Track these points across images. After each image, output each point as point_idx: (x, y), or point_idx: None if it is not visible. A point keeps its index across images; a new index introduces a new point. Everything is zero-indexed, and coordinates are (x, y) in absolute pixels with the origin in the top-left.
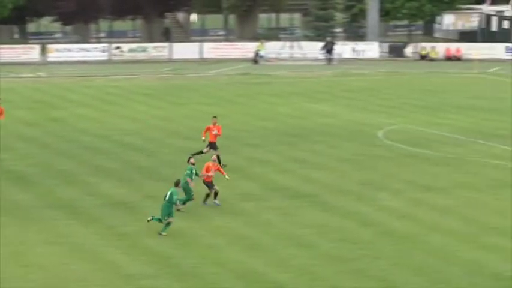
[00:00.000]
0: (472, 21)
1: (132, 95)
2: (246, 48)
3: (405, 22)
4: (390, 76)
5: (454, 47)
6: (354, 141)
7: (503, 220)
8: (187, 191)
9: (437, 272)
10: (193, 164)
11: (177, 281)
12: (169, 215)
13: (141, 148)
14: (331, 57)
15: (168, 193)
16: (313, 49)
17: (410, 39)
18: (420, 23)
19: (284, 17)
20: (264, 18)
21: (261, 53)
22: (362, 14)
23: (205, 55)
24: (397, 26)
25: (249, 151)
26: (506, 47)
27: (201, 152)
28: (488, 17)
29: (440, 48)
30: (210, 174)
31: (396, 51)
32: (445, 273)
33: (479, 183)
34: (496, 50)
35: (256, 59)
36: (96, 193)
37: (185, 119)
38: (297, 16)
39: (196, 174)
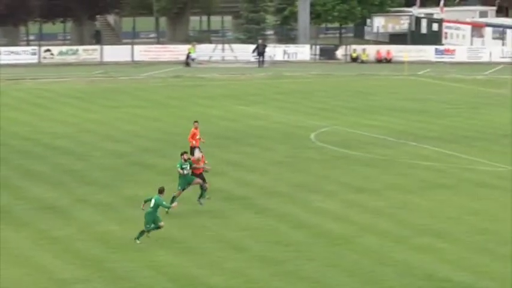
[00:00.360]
0: (402, 24)
1: (63, 98)
2: (178, 51)
3: (336, 25)
4: (322, 78)
5: (384, 50)
6: (286, 143)
7: (434, 221)
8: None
9: (370, 272)
10: (185, 160)
11: (110, 285)
12: (155, 221)
13: (72, 152)
14: (263, 59)
15: (152, 201)
16: (245, 52)
17: (341, 41)
18: (351, 25)
19: (215, 20)
20: (196, 21)
21: (193, 55)
22: (293, 16)
23: (137, 58)
24: (328, 29)
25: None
26: (436, 49)
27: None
28: (418, 20)
29: (371, 51)
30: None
31: (327, 53)
32: (377, 274)
33: (410, 185)
34: (425, 52)
35: (188, 62)
36: (27, 197)
37: (117, 122)
38: (228, 19)
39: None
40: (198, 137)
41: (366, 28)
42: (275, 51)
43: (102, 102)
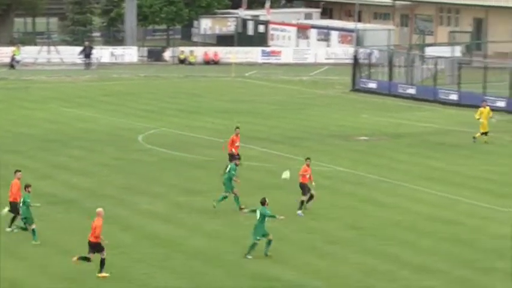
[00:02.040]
0: (229, 26)
1: None
2: (2, 53)
3: (163, 26)
4: (149, 80)
5: (212, 51)
6: (114, 146)
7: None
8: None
9: (200, 274)
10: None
11: None
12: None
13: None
14: (90, 61)
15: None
16: (71, 54)
17: (169, 43)
18: (178, 27)
19: (41, 21)
20: (20, 22)
21: (17, 57)
22: (120, 18)
23: None
24: (155, 31)
25: (7, 158)
26: (263, 50)
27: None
28: (244, 21)
29: (199, 52)
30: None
31: (155, 55)
32: (208, 275)
33: (239, 186)
34: (252, 53)
35: (12, 64)
36: None
37: None
38: (54, 20)
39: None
40: (237, 144)
41: (194, 30)
42: (102, 53)
43: None
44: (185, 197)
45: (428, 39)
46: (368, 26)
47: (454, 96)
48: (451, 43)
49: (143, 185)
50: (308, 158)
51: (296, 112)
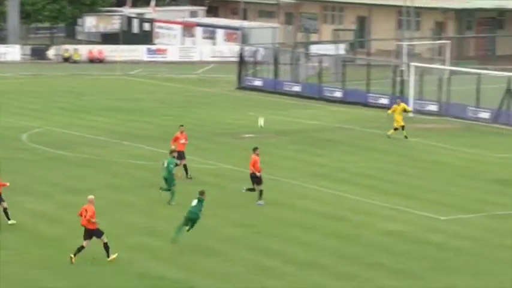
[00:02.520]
0: (113, 24)
1: None
2: None
3: (47, 24)
4: (33, 79)
5: (96, 49)
6: None
7: (150, 219)
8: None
9: (85, 273)
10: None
11: None
12: None
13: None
14: None
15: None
16: None
17: (53, 41)
18: (62, 25)
19: None
20: None
21: None
22: (2, 16)
23: None
24: (39, 29)
25: None
26: (148, 48)
27: (176, 165)
28: (129, 19)
29: (83, 51)
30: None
31: (39, 53)
32: (92, 274)
33: (125, 184)
34: (137, 51)
35: None
36: None
37: None
38: None
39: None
40: (182, 141)
41: (78, 28)
42: None
43: None
44: (69, 195)
45: (313, 37)
46: (253, 24)
47: (338, 94)
48: (335, 41)
49: (28, 184)
50: (256, 148)
51: (182, 110)
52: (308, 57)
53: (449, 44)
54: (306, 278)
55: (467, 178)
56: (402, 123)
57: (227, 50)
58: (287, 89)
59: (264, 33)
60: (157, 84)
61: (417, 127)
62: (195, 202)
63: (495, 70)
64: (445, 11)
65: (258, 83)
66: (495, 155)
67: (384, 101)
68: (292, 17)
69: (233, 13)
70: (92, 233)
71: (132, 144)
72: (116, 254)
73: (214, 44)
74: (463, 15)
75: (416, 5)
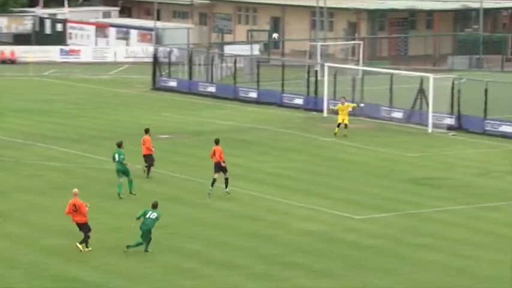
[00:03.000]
0: (25, 24)
1: None
2: None
3: None
4: None
5: (8, 50)
6: None
7: (64, 221)
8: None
9: None
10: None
11: None
12: None
13: None
14: None
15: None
16: None
17: None
18: None
19: None
20: None
21: None
22: None
23: None
24: None
25: None
26: (61, 49)
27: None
28: (42, 20)
29: None
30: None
31: None
32: (5, 277)
33: (39, 186)
34: (50, 52)
35: None
36: None
37: None
38: None
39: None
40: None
41: None
42: None
43: None
44: None
45: (227, 37)
46: (167, 24)
47: (253, 94)
48: (250, 41)
49: None
50: (218, 139)
51: (96, 111)
52: (222, 58)
53: (362, 44)
54: (223, 279)
55: (381, 177)
56: (346, 122)
57: (141, 50)
58: (202, 89)
59: (178, 33)
60: (71, 85)
61: (331, 127)
62: (154, 215)
63: (407, 70)
64: (358, 11)
65: (172, 83)
66: (408, 155)
67: (299, 101)
68: (206, 18)
69: (146, 13)
70: (83, 226)
71: (45, 145)
72: (90, 248)
73: (128, 44)
74: (376, 16)
75: (329, 6)
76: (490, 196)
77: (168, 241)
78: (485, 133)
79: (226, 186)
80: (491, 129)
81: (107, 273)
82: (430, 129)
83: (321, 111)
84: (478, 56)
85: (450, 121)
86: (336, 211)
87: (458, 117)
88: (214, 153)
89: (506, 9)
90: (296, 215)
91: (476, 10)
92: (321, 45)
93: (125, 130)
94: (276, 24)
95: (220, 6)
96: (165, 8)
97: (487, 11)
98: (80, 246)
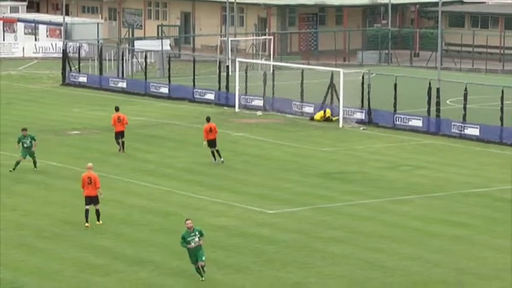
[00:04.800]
0: None
1: None
2: None
3: None
4: None
5: None
6: None
7: None
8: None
9: None
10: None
11: None
12: None
13: None
14: None
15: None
16: None
17: None
18: None
19: None
20: None
21: None
22: None
23: None
24: None
25: None
26: None
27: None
28: None
29: None
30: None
31: None
32: None
33: None
34: None
35: None
36: None
37: None
38: None
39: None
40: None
41: None
42: None
43: None
44: None
45: (138, 32)
46: (76, 19)
47: (164, 90)
48: (160, 37)
49: None
50: (209, 117)
51: (4, 107)
52: (133, 53)
53: (272, 39)
54: (135, 275)
55: (293, 172)
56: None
57: (50, 45)
58: (112, 85)
59: (88, 28)
60: None
61: (242, 122)
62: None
63: (318, 65)
64: (268, 6)
65: (82, 79)
66: (319, 149)
67: (210, 96)
68: (116, 13)
69: (55, 8)
70: (94, 199)
71: None
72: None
73: (36, 39)
74: (285, 11)
75: (239, 1)
76: (400, 190)
77: (78, 237)
78: (395, 127)
79: (220, 156)
80: (401, 123)
81: (16, 270)
82: (340, 124)
83: (233, 106)
84: (387, 51)
85: (360, 115)
86: (249, 206)
87: (369, 112)
88: (210, 130)
89: (414, 4)
90: (209, 210)
91: (385, 5)
92: (232, 41)
93: (34, 126)
94: (187, 20)
95: (130, 2)
96: (74, 3)
97: (395, 7)
98: (99, 222)
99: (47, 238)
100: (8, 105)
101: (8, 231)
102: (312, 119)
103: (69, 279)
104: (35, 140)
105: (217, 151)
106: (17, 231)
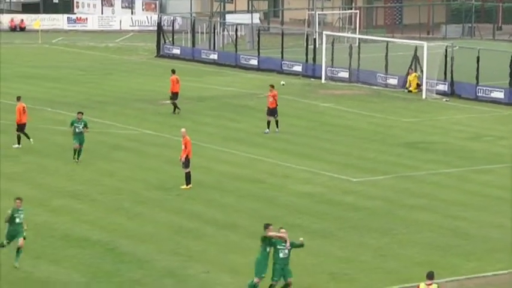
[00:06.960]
0: None
1: None
2: None
3: None
4: None
5: (18, 18)
6: None
7: (72, 183)
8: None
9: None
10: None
11: None
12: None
13: None
14: None
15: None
16: None
17: None
18: None
19: None
20: None
21: None
22: None
23: None
24: None
25: None
26: (68, 18)
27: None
28: None
29: (4, 19)
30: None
31: None
32: None
33: (48, 149)
34: (58, 20)
35: None
36: None
37: None
38: None
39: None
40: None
41: None
42: None
43: None
44: None
45: (229, 6)
46: None
47: (254, 61)
48: (250, 10)
49: None
50: (272, 85)
51: (102, 78)
52: (224, 26)
53: (358, 13)
54: (224, 238)
55: (377, 142)
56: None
57: (146, 19)
58: (204, 56)
59: (182, 3)
60: (78, 53)
61: (329, 93)
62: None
63: (402, 38)
64: None
65: (176, 51)
66: (403, 120)
67: (298, 68)
68: None
69: None
70: (187, 162)
71: (54, 110)
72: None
73: (133, 13)
74: None
75: None
76: (482, 159)
77: (171, 202)
78: (477, 99)
79: (277, 127)
80: (483, 95)
81: (113, 232)
82: (424, 95)
83: (319, 78)
84: (470, 25)
85: (443, 87)
86: (334, 174)
87: (451, 84)
88: (274, 97)
89: None
90: (295, 177)
91: None
92: (319, 14)
93: (130, 96)
94: None
95: None
96: None
97: None
98: (186, 186)
99: (142, 203)
100: (106, 75)
101: (107, 195)
102: (409, 91)
103: (163, 241)
104: (87, 127)
105: (277, 122)
106: (115, 196)
